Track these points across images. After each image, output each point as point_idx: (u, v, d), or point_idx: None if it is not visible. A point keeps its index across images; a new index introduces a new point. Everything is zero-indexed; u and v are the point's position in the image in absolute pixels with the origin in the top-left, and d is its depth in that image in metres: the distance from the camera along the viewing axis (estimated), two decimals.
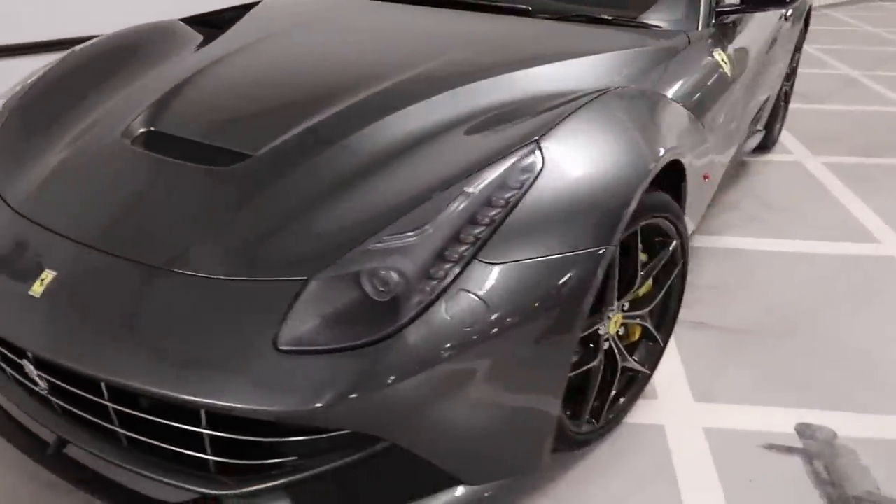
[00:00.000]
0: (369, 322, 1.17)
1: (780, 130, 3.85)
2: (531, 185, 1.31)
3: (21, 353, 1.32)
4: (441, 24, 2.19)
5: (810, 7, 3.71)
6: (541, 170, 1.33)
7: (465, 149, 1.42)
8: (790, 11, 3.16)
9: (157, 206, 1.42)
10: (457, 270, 1.20)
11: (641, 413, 1.86)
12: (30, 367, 1.32)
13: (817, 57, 6.22)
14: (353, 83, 1.69)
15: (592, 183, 1.37)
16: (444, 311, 1.18)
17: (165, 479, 1.26)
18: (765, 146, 3.67)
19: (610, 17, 2.16)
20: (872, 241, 2.84)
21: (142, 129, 1.65)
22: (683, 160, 1.68)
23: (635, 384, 1.81)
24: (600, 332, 1.60)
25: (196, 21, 2.34)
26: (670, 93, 1.81)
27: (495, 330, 1.21)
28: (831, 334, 2.21)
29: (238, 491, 1.27)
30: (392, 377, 1.15)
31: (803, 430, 1.82)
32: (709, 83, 2.03)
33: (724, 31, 2.32)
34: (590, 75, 1.74)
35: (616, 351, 1.68)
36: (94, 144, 1.63)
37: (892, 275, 2.58)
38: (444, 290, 1.19)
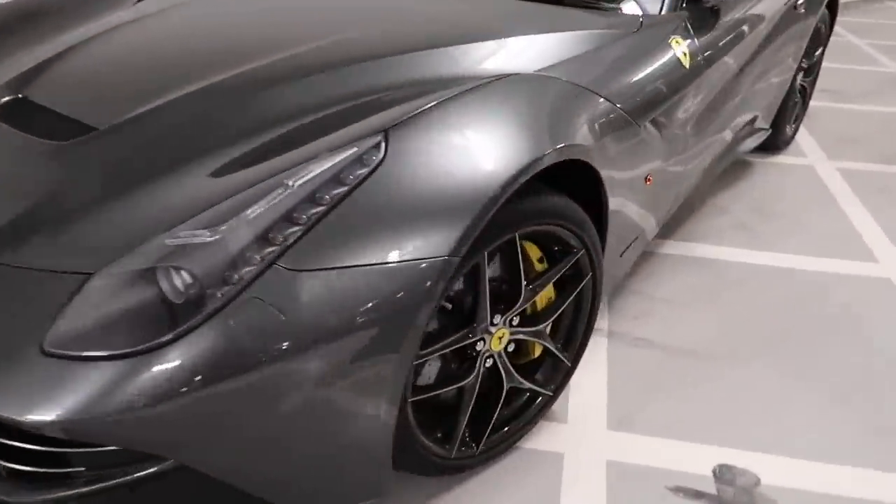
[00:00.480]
0: (147, 328, 1.03)
1: (795, 130, 3.53)
2: (362, 182, 1.14)
3: None
4: None
5: None
6: (378, 164, 1.16)
7: (314, 138, 1.26)
8: (800, 0, 2.85)
9: None
10: (252, 276, 1.05)
11: (543, 438, 1.68)
12: None
13: (867, 53, 5.75)
14: (224, 61, 1.54)
15: (443, 183, 1.19)
16: (232, 322, 1.03)
17: None
18: (774, 147, 3.37)
19: None
20: (870, 259, 2.55)
21: (7, 97, 1.54)
22: (592, 162, 1.48)
23: (533, 406, 1.63)
24: (478, 348, 1.43)
25: None
26: (599, 83, 1.60)
27: (295, 345, 1.05)
28: (787, 366, 1.97)
29: (27, 499, 1.16)
30: (164, 391, 1.01)
31: (723, 472, 1.61)
32: (657, 75, 1.80)
33: (698, 18, 2.07)
34: (498, 59, 1.54)
35: (502, 369, 1.50)
36: None
37: (879, 300, 2.30)
38: (234, 297, 1.04)
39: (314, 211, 1.11)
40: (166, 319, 1.04)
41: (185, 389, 1.01)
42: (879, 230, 2.77)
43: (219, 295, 1.04)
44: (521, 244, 1.40)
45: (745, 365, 1.96)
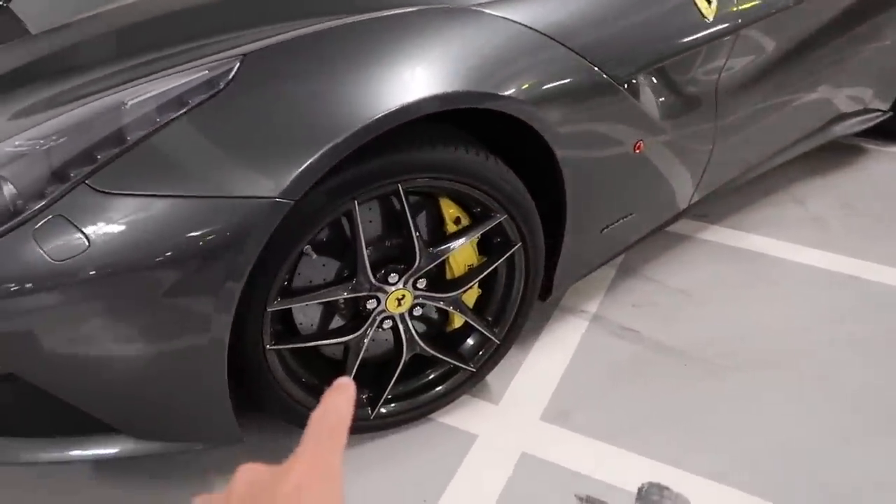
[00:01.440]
0: None
1: None
2: (199, 105, 1.06)
3: None
4: None
5: None
6: (223, 88, 1.07)
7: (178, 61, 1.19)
8: None
9: None
10: (61, 192, 1.02)
11: (463, 416, 1.55)
12: None
13: None
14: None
15: (290, 117, 1.08)
16: (34, 238, 1.01)
17: None
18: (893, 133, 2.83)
19: None
20: None
21: None
22: (530, 121, 1.28)
23: (450, 380, 1.50)
24: (369, 306, 1.32)
25: None
26: (573, 27, 1.38)
27: (103, 271, 1.02)
28: (786, 390, 1.66)
29: None
30: None
31: (650, 492, 1.40)
32: (658, 27, 1.53)
33: None
34: None
35: (403, 335, 1.38)
36: None
37: None
38: (41, 211, 1.02)
39: (144, 132, 1.05)
40: None
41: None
42: None
43: (28, 209, 1.02)
44: (430, 197, 1.26)
45: (738, 378, 1.68)
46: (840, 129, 2.49)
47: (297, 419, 1.35)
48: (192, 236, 1.03)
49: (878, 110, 2.62)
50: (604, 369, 1.69)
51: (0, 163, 1.07)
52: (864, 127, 2.58)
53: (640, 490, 1.40)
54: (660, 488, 1.41)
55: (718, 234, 2.24)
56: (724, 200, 2.31)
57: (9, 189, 1.05)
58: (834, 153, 2.73)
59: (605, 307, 1.90)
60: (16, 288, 1.01)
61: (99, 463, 1.41)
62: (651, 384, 1.66)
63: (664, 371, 1.70)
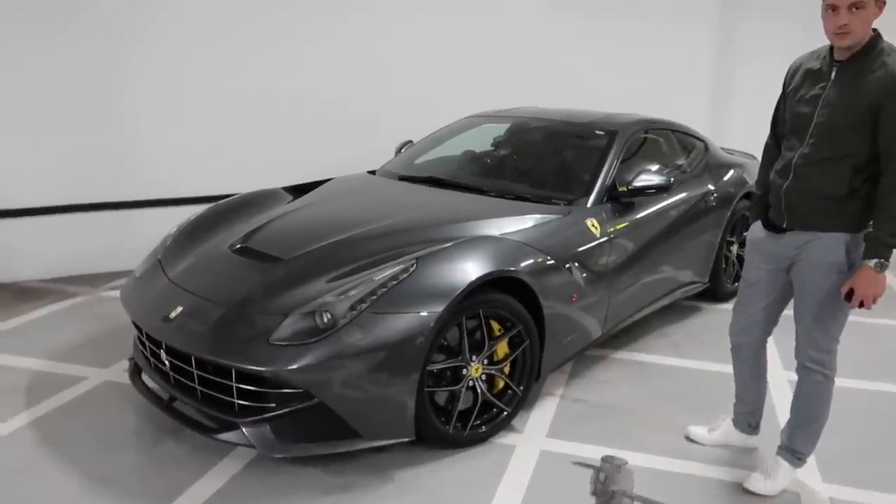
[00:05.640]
0: (310, 334, 2.47)
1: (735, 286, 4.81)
2: (403, 280, 2.60)
3: (158, 345, 2.73)
4: (422, 195, 3.63)
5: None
6: (411, 273, 2.62)
7: (384, 262, 2.75)
8: (712, 197, 4.29)
9: (231, 281, 2.84)
10: (353, 314, 2.49)
11: (505, 437, 2.93)
12: (162, 353, 2.73)
13: None
14: (339, 230, 3.11)
15: (439, 282, 2.63)
16: (344, 334, 2.46)
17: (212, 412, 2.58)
18: (719, 297, 4.64)
19: (529, 196, 3.49)
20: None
21: (239, 245, 3.13)
22: (528, 282, 2.88)
23: (500, 418, 2.92)
24: (464, 372, 2.77)
25: (289, 189, 3.93)
26: (536, 242, 3.04)
27: (368, 346, 2.46)
28: (675, 420, 3.17)
29: (248, 419, 2.54)
30: (315, 358, 2.41)
31: (607, 458, 2.81)
32: (574, 240, 3.24)
33: (616, 209, 3.54)
34: (478, 229, 3.03)
35: (479, 389, 2.83)
36: (214, 250, 3.14)
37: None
38: (347, 324, 2.47)
39: (382, 291, 2.56)
40: (319, 332, 2.47)
41: (324, 358, 2.42)
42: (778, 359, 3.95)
43: (341, 323, 2.48)
44: (486, 319, 2.79)
45: (638, 416, 3.17)
46: (680, 294, 4.26)
47: (434, 435, 2.71)
48: (405, 330, 2.50)
49: (701, 282, 4.45)
50: (572, 416, 3.13)
51: (318, 305, 2.53)
52: (694, 292, 4.38)
53: (601, 458, 2.80)
54: (612, 456, 2.81)
55: (623, 354, 3.84)
56: (622, 335, 3.94)
57: (325, 316, 2.50)
58: (681, 308, 4.49)
59: (566, 390, 3.39)
60: (335, 355, 2.43)
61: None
62: (598, 420, 3.11)
63: (604, 415, 3.16)
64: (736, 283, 4.74)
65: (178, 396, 2.72)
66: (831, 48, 2.38)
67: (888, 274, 2.35)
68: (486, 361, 2.83)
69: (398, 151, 4.60)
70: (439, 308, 2.56)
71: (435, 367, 2.68)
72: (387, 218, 3.22)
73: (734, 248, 4.71)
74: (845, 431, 2.99)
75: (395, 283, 2.59)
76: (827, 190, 2.36)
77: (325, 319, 2.49)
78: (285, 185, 4.02)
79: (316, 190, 3.87)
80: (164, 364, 2.76)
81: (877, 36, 2.31)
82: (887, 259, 2.30)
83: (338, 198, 3.71)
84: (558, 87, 6.38)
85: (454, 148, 4.45)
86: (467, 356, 2.76)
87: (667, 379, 3.56)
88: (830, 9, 2.25)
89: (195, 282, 2.90)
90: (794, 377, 2.60)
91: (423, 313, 2.54)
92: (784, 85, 2.60)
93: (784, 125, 2.57)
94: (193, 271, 3.01)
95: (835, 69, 2.35)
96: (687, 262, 4.20)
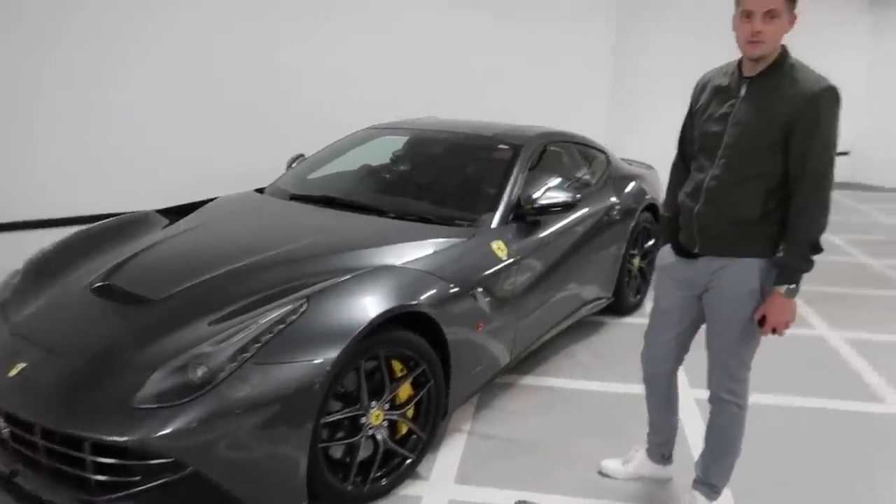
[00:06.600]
0: (181, 393, 2.12)
1: (640, 299, 4.78)
2: (293, 322, 2.29)
3: None
4: (315, 218, 3.31)
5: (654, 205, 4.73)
6: (302, 314, 2.32)
7: (271, 301, 2.43)
8: (615, 210, 4.23)
9: (87, 329, 2.44)
10: (234, 366, 2.16)
11: (410, 487, 2.68)
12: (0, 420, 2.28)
13: None
14: (221, 261, 2.75)
15: (334, 322, 2.34)
16: (224, 389, 2.13)
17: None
18: (622, 311, 4.59)
19: (431, 217, 3.25)
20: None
21: (99, 283, 2.71)
22: (432, 314, 2.64)
23: (403, 466, 2.66)
24: (363, 421, 2.49)
25: (164, 211, 3.50)
26: (440, 269, 2.81)
27: (252, 401, 2.14)
28: (586, 449, 3.03)
29: (105, 497, 2.15)
30: (186, 422, 2.07)
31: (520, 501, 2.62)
32: (479, 264, 3.03)
33: (521, 229, 3.36)
34: (378, 257, 2.77)
35: (379, 438, 2.56)
36: (68, 290, 2.70)
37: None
38: (227, 377, 2.14)
39: (268, 336, 2.24)
40: (193, 389, 2.12)
41: (198, 421, 2.08)
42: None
43: (220, 377, 2.14)
44: (386, 359, 2.52)
45: (550, 450, 3.01)
46: (586, 311, 4.16)
47: (330, 494, 2.42)
48: (295, 381, 2.20)
49: (606, 297, 4.37)
50: (480, 454, 2.93)
51: (190, 358, 2.19)
52: (600, 307, 4.29)
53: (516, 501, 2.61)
54: (525, 500, 2.62)
55: (530, 380, 3.68)
56: (529, 358, 3.79)
57: (201, 369, 2.16)
58: (586, 324, 4.40)
59: (473, 425, 3.18)
60: (211, 415, 2.09)
61: None
62: (506, 457, 2.92)
63: (512, 451, 2.97)
64: (638, 296, 4.74)
65: (19, 471, 2.28)
66: (740, 64, 2.29)
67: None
68: (387, 406, 2.57)
69: (289, 166, 4.25)
70: (334, 353, 2.27)
71: (330, 419, 2.39)
72: (276, 247, 2.89)
73: (636, 261, 4.68)
74: (761, 455, 2.94)
75: (282, 326, 2.28)
76: (740, 213, 2.26)
77: (200, 374, 2.15)
78: (180, 202, 3.59)
79: (195, 213, 3.47)
80: (1, 433, 2.32)
81: (785, 51, 2.23)
82: (797, 284, 2.22)
83: (220, 222, 3.33)
84: (457, 94, 6.21)
85: (350, 162, 4.16)
86: (366, 403, 2.48)
87: (575, 406, 3.42)
88: (745, 15, 2.15)
89: (42, 331, 2.47)
90: (701, 395, 2.51)
91: (316, 360, 2.25)
92: (691, 102, 2.50)
93: (692, 144, 2.46)
94: (41, 318, 2.57)
95: (744, 86, 2.26)
96: (593, 278, 4.10)
